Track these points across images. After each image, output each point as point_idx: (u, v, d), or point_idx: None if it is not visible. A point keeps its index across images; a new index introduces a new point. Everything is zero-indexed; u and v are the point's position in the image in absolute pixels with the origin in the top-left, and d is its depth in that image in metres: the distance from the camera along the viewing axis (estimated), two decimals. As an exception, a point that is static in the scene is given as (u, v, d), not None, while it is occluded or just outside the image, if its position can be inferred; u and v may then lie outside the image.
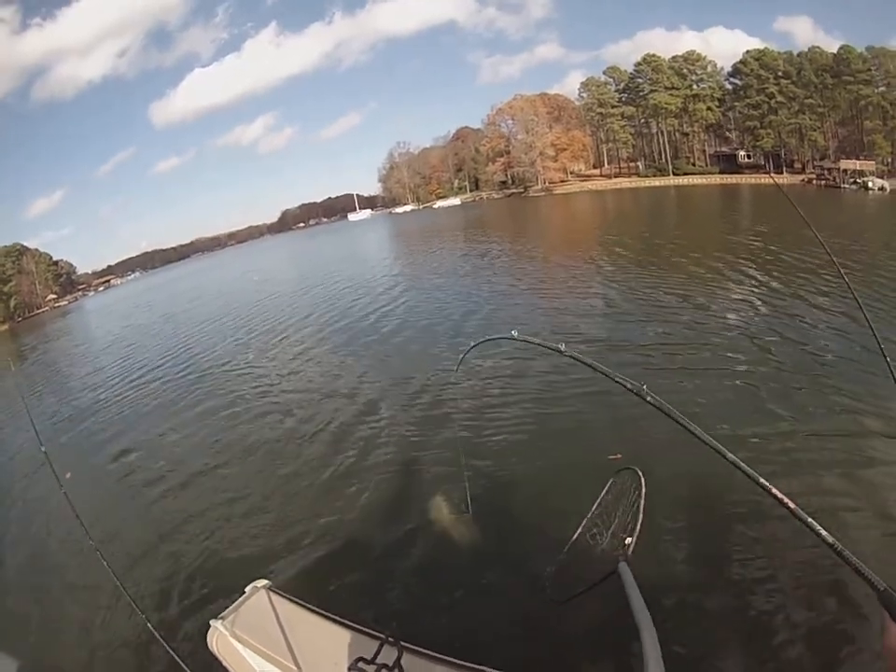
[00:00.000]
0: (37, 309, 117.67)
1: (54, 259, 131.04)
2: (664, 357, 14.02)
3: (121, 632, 7.02)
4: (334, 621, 3.76)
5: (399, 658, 2.85)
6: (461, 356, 5.64)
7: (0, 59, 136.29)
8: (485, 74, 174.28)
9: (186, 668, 2.79)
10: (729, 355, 13.56)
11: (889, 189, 51.28)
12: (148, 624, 3.36)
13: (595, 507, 5.54)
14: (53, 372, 33.40)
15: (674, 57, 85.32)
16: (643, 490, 5.08)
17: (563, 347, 3.00)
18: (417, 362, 16.38)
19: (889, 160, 62.09)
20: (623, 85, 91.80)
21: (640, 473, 5.36)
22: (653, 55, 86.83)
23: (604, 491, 5.58)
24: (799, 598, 5.92)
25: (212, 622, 3.97)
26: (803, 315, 15.94)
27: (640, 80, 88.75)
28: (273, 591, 4.23)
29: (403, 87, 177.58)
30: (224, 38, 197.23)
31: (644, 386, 2.72)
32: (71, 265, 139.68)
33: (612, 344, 15.43)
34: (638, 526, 4.59)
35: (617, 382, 2.80)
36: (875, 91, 65.73)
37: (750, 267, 22.38)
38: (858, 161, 60.46)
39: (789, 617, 5.72)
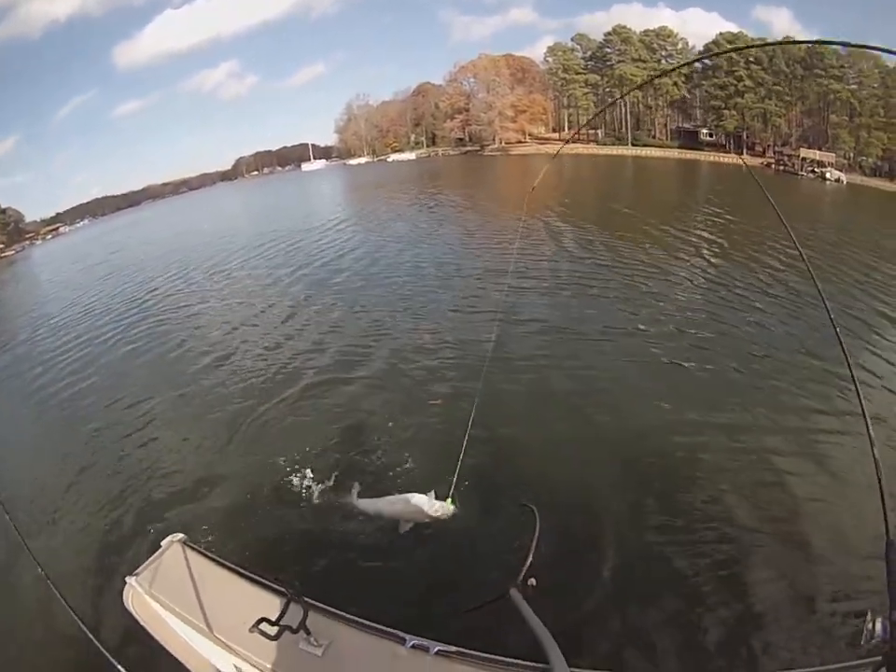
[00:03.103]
0: None
1: (2, 207, 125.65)
2: (599, 330, 13.85)
3: (25, 593, 6.79)
4: (245, 577, 3.75)
5: (304, 619, 2.91)
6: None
7: None
8: (457, 33, 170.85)
9: (86, 629, 2.67)
10: (669, 328, 13.76)
11: (845, 182, 52.55)
12: (48, 581, 3.11)
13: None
14: None
15: (645, 31, 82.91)
16: (538, 526, 5.63)
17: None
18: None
19: (852, 155, 62.40)
20: (590, 53, 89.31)
21: (535, 511, 5.90)
22: (624, 26, 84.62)
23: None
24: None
25: (127, 578, 3.88)
26: (754, 289, 16.42)
27: (608, 50, 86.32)
28: (189, 545, 4.17)
29: (372, 40, 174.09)
30: None
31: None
32: (19, 213, 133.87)
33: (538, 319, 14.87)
34: (530, 558, 5.08)
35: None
36: (846, 87, 65.62)
37: (704, 239, 23.01)
38: (818, 152, 60.90)
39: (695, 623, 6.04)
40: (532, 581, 5.58)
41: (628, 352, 12.70)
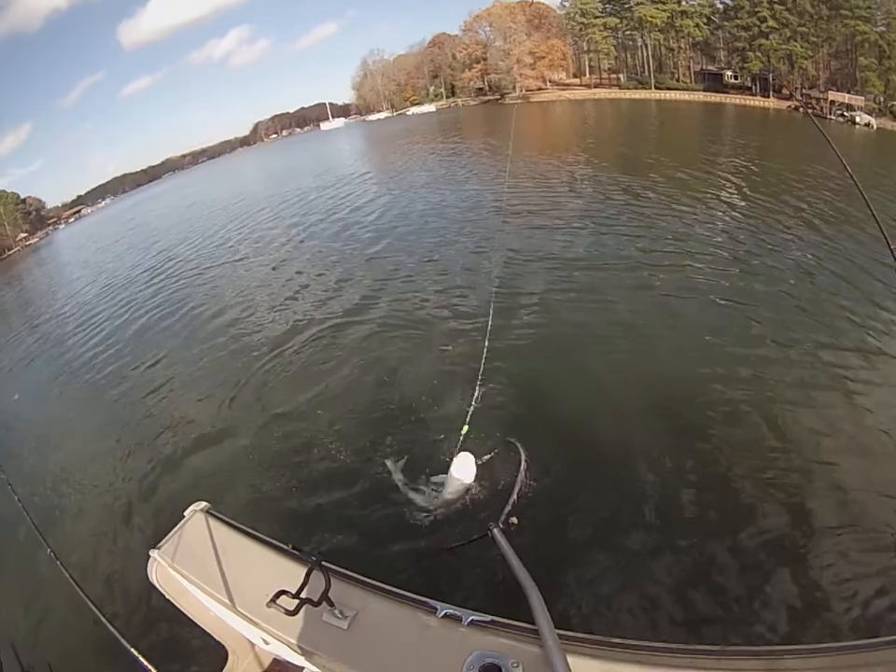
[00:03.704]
0: (8, 251, 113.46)
1: (22, 196, 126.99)
2: (646, 274, 13.41)
3: (39, 574, 6.79)
4: (269, 545, 3.62)
5: (326, 590, 2.82)
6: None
7: None
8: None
9: (100, 615, 2.73)
10: (716, 269, 13.27)
11: (875, 127, 50.77)
12: (58, 563, 3.20)
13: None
14: (16, 308, 34.05)
15: None
16: (523, 464, 6.28)
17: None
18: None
19: (882, 98, 60.59)
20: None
21: (521, 447, 6.62)
22: None
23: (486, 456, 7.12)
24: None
25: (151, 552, 3.72)
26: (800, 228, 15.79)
27: None
28: (212, 514, 4.06)
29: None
30: None
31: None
32: (40, 201, 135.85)
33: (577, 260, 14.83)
34: (514, 496, 5.71)
35: None
36: (874, 28, 63.42)
37: (734, 182, 22.35)
38: (847, 95, 59.19)
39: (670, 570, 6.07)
40: (514, 519, 6.01)
41: (645, 285, 12.77)
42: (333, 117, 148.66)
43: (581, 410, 8.53)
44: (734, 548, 6.17)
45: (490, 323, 8.37)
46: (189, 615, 3.79)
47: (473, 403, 7.26)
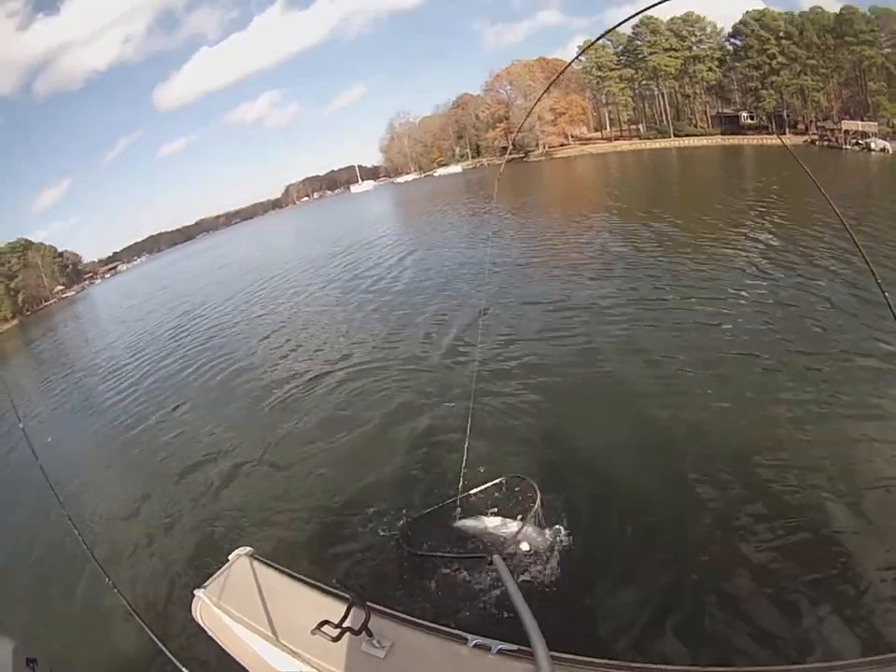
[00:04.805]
0: (45, 301, 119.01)
1: (59, 250, 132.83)
2: (671, 324, 13.14)
3: (97, 606, 7.15)
4: (310, 585, 3.86)
5: (366, 621, 2.99)
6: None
7: (6, 54, 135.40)
8: (489, 41, 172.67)
9: (155, 638, 2.99)
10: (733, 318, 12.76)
11: (890, 151, 50.46)
12: (117, 591, 3.62)
13: (477, 490, 7.14)
14: (51, 357, 36.78)
15: (672, 18, 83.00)
16: (538, 501, 6.11)
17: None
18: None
19: (894, 121, 60.79)
20: (621, 48, 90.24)
21: (536, 486, 6.38)
22: (652, 17, 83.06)
23: (492, 483, 7.14)
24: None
25: (196, 591, 4.03)
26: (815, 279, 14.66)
27: (639, 43, 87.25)
28: (255, 558, 4.30)
29: (408, 57, 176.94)
30: (232, 17, 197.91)
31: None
32: (77, 255, 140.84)
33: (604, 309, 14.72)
34: (523, 530, 5.75)
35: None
36: (880, 52, 64.06)
37: (757, 226, 21.78)
38: (860, 123, 59.66)
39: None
40: (521, 547, 6.05)
41: (658, 320, 13.07)
42: (362, 179, 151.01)
43: (594, 446, 8.45)
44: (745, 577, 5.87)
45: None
46: (231, 652, 3.91)
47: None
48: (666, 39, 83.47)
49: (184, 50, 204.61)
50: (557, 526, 6.53)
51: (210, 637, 3.97)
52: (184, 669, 2.83)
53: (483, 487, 7.08)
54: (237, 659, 3.84)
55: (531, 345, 13.01)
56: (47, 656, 3.87)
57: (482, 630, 3.15)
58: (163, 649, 2.94)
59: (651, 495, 7.29)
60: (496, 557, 3.93)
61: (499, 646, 2.88)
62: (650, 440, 8.62)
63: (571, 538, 6.46)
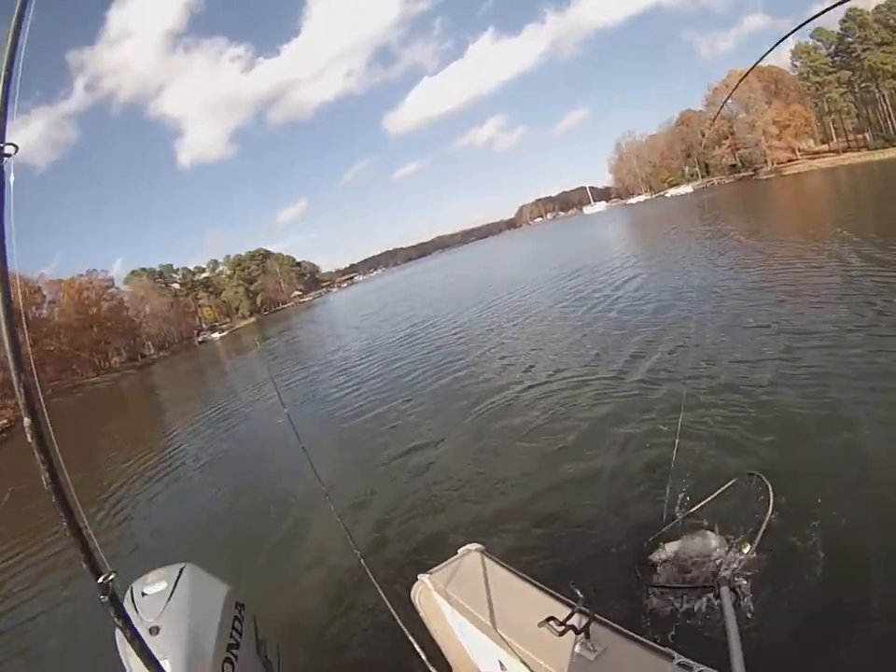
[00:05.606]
0: (283, 304, 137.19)
1: (297, 260, 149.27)
2: None
3: (340, 568, 7.62)
4: (534, 585, 3.73)
5: (587, 625, 3.01)
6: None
7: (235, 93, 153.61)
8: (704, 51, 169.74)
9: (391, 607, 3.65)
10: None
11: None
12: (362, 561, 4.29)
13: (707, 500, 5.86)
14: (289, 350, 42.11)
15: (877, 7, 76.18)
16: (771, 503, 5.05)
17: None
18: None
19: None
20: (833, 47, 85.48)
21: (768, 482, 5.35)
22: (857, 9, 78.12)
23: (723, 488, 5.84)
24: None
25: (420, 576, 4.10)
26: None
27: (850, 39, 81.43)
28: (485, 554, 4.16)
29: (624, 76, 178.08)
30: (447, 48, 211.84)
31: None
32: (314, 265, 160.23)
33: None
34: (756, 542, 4.72)
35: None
36: None
37: None
38: None
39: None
40: (750, 571, 4.93)
41: None
42: (594, 200, 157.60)
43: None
44: None
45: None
46: (436, 639, 4.04)
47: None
48: (876, 32, 77.13)
49: (407, 80, 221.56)
50: (794, 539, 5.45)
51: (422, 620, 4.08)
52: (416, 645, 3.18)
53: (710, 498, 5.87)
54: (441, 647, 4.02)
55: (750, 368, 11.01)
56: (254, 608, 4.11)
57: (684, 649, 2.92)
58: (397, 619, 3.46)
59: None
60: (723, 590, 3.74)
61: (701, 669, 2.70)
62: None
63: (822, 554, 5.20)
